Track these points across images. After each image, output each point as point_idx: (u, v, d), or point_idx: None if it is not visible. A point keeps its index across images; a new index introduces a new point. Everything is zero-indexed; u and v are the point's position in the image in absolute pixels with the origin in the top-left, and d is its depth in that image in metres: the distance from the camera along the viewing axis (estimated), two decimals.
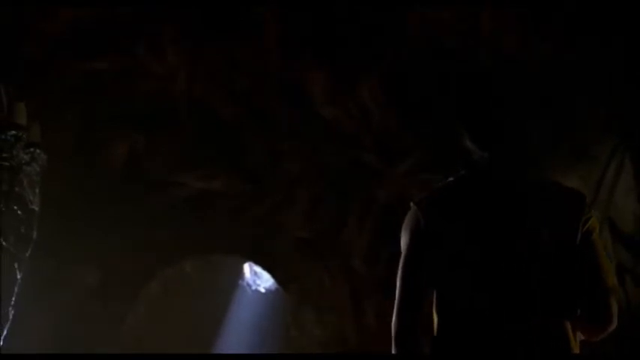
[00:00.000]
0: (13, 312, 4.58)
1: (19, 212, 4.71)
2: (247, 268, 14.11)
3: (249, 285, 14.21)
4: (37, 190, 4.77)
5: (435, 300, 2.28)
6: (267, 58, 7.66)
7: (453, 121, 2.37)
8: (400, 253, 2.34)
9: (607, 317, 2.19)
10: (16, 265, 4.68)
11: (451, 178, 2.35)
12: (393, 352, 2.27)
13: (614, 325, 2.20)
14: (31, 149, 4.60)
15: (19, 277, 4.71)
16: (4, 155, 4.38)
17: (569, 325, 2.18)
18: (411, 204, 2.33)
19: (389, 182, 8.63)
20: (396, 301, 2.29)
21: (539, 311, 2.16)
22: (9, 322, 4.56)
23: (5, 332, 4.48)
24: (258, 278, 14.16)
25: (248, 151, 9.40)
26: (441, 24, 6.47)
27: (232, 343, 13.36)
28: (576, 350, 2.19)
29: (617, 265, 6.59)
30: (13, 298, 4.62)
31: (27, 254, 4.77)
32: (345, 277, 10.10)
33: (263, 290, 14.05)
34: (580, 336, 2.24)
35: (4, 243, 4.47)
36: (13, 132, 4.36)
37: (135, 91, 8.57)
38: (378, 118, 7.86)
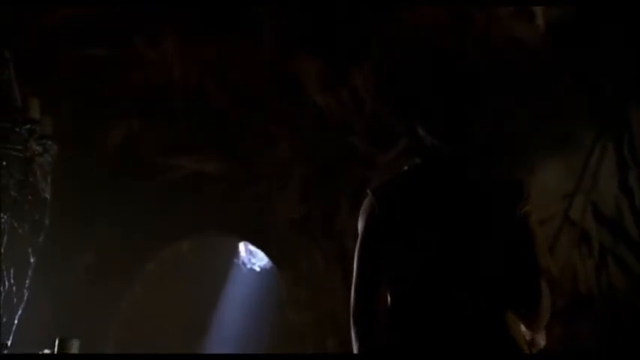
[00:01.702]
0: (27, 294, 4.82)
1: (32, 200, 4.93)
2: (242, 246, 14.25)
3: (244, 264, 14.34)
4: (49, 180, 4.98)
5: (388, 281, 2.36)
6: (263, 49, 7.81)
7: (407, 110, 2.49)
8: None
9: (535, 295, 2.28)
10: (29, 250, 4.92)
11: (405, 167, 2.45)
12: (352, 333, 2.36)
13: (543, 303, 2.29)
14: (44, 141, 4.82)
15: (32, 260, 4.95)
16: (19, 147, 4.62)
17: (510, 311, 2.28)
18: (367, 191, 2.43)
19: (381, 166, 8.78)
20: (352, 283, 2.39)
21: (484, 295, 2.27)
22: (23, 303, 4.80)
23: (20, 312, 4.72)
24: (253, 257, 14.30)
25: (243, 134, 9.54)
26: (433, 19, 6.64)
27: (227, 321, 13.54)
28: (519, 334, 2.29)
29: (600, 247, 6.79)
30: (27, 281, 4.86)
31: (40, 239, 5.00)
32: (337, 257, 10.18)
33: (258, 269, 14.20)
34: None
35: (19, 230, 4.70)
36: (28, 126, 4.58)
37: (132, 78, 8.71)
38: (370, 106, 8.02)
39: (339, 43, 7.58)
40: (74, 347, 4.35)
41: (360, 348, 2.34)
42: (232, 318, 13.48)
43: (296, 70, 8.23)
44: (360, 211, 2.44)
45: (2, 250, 4.58)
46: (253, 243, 12.56)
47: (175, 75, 8.70)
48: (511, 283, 2.29)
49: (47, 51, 7.93)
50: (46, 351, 4.49)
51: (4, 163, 4.62)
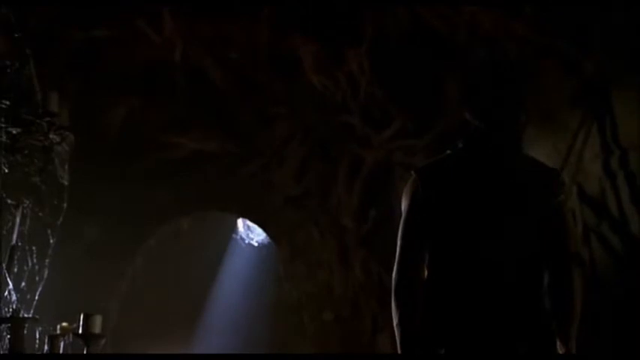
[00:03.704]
0: (48, 272, 5.13)
1: (52, 186, 5.22)
2: (240, 222, 14.44)
3: (242, 239, 14.51)
4: (66, 167, 5.28)
5: (427, 258, 2.48)
6: (261, 30, 7.97)
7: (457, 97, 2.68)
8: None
9: (566, 277, 2.43)
10: (49, 232, 5.22)
11: (449, 151, 2.58)
12: (392, 305, 2.46)
13: (575, 292, 2.42)
14: (61, 131, 5.11)
15: (52, 241, 5.25)
16: (40, 137, 4.91)
17: (543, 289, 2.42)
18: (412, 172, 2.55)
19: (376, 146, 9.01)
20: (396, 258, 2.50)
21: (518, 272, 2.39)
22: (44, 281, 5.12)
23: (40, 288, 5.05)
24: (250, 232, 14.49)
25: (241, 114, 9.69)
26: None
27: (226, 294, 13.73)
28: (546, 310, 2.41)
29: (584, 226, 7.02)
30: (48, 260, 5.17)
31: (59, 222, 5.30)
32: (334, 233, 10.46)
33: (256, 244, 14.38)
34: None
35: (40, 213, 5.01)
36: (48, 118, 4.87)
37: (134, 59, 8.86)
38: (365, 88, 8.22)
39: (335, 25, 7.74)
40: (97, 322, 4.69)
41: (399, 319, 2.45)
42: (231, 291, 13.66)
43: (294, 52, 8.40)
44: (404, 191, 2.56)
45: (26, 232, 4.90)
46: (251, 219, 12.73)
47: (176, 55, 8.84)
48: (544, 266, 2.43)
49: (48, 33, 8.02)
50: (64, 324, 4.81)
51: (26, 152, 4.92)
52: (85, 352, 4.65)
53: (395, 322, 2.45)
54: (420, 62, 7.29)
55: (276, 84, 9.01)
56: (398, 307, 2.45)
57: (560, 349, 2.41)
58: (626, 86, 6.22)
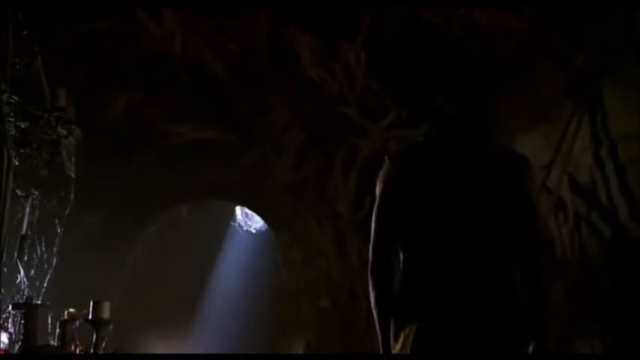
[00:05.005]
0: (56, 260, 5.31)
1: (59, 178, 5.38)
2: (239, 210, 14.59)
3: (240, 226, 14.67)
4: (73, 160, 5.44)
5: (402, 241, 2.51)
6: (260, 28, 8.08)
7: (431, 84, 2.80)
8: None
9: (533, 263, 2.47)
10: (56, 221, 5.40)
11: (421, 138, 2.65)
12: (369, 284, 2.51)
13: (541, 268, 2.48)
14: (68, 125, 5.28)
15: (59, 230, 5.43)
16: (48, 131, 5.08)
17: (512, 270, 2.44)
18: (386, 158, 2.59)
19: (372, 136, 9.15)
20: (371, 241, 2.55)
21: (486, 253, 2.42)
22: (52, 269, 5.30)
23: (49, 276, 5.23)
24: (249, 220, 14.65)
25: (241, 104, 9.80)
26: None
27: (225, 280, 13.89)
28: (517, 290, 2.43)
29: (574, 214, 7.16)
30: (55, 249, 5.35)
31: (66, 212, 5.47)
32: (331, 221, 10.60)
33: (254, 231, 14.53)
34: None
35: (47, 205, 5.18)
36: (56, 113, 5.04)
37: (135, 52, 8.96)
38: (361, 80, 8.35)
39: (332, 19, 7.85)
40: (106, 308, 4.90)
41: (376, 300, 2.50)
42: (229, 278, 13.83)
43: (292, 44, 8.52)
44: (379, 176, 2.59)
45: (35, 222, 5.07)
46: (250, 207, 12.85)
47: (176, 47, 8.92)
48: (513, 247, 2.47)
49: (50, 29, 8.07)
50: (71, 310, 5.00)
51: (35, 145, 5.09)
52: (94, 337, 4.85)
53: (372, 302, 2.52)
54: (416, 54, 7.41)
55: (275, 76, 9.10)
56: (374, 288, 2.50)
57: (532, 339, 2.43)
58: (616, 79, 6.33)
